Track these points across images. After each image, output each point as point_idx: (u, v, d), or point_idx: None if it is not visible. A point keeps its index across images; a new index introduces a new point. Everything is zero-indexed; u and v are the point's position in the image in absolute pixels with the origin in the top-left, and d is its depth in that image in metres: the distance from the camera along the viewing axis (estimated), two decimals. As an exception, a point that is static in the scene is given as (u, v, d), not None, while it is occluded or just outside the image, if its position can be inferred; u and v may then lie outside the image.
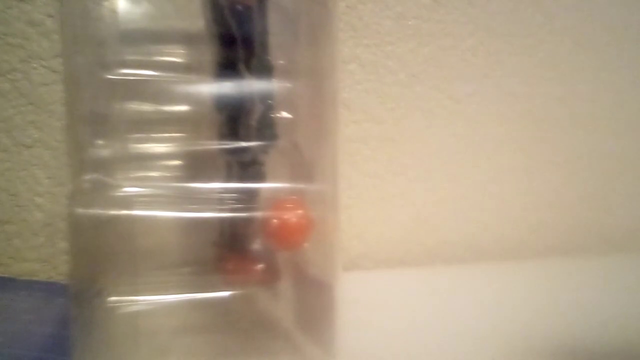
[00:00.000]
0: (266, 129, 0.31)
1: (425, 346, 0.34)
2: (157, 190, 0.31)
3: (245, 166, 0.32)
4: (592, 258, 0.54)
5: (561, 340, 0.35)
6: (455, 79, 0.51)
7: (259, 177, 0.32)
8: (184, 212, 0.31)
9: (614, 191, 0.58)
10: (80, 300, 0.29)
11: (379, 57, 0.48)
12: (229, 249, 0.32)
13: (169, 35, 0.33)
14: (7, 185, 0.42)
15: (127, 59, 0.31)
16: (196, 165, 0.32)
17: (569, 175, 0.56)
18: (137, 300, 0.30)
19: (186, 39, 0.32)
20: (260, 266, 0.32)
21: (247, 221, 0.32)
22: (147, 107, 0.32)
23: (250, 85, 0.31)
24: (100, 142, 0.31)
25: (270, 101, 0.31)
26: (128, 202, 0.30)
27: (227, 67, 0.31)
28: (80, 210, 0.30)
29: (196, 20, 0.31)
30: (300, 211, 0.31)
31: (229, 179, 0.32)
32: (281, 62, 0.32)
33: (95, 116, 0.31)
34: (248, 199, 0.31)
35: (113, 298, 0.30)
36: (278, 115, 0.31)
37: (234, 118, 0.31)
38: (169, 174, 0.32)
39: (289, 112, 0.32)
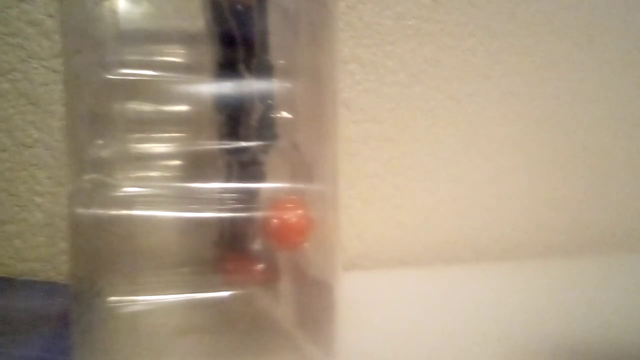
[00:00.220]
0: (266, 129, 0.31)
1: (424, 346, 0.34)
2: (157, 190, 0.31)
3: (245, 166, 0.31)
4: (591, 258, 0.54)
5: (560, 339, 0.35)
6: (455, 79, 0.51)
7: (259, 177, 0.32)
8: (184, 212, 0.31)
9: (614, 191, 0.58)
10: (80, 300, 0.29)
11: (379, 57, 0.48)
12: (229, 249, 0.32)
13: (169, 35, 0.32)
14: (7, 185, 0.42)
15: (127, 58, 0.31)
16: (196, 166, 0.32)
17: (569, 175, 0.56)
18: (136, 300, 0.30)
19: (186, 38, 0.32)
20: (260, 266, 0.32)
21: (247, 221, 0.32)
22: (147, 107, 0.32)
23: (250, 85, 0.31)
24: (100, 142, 0.31)
25: (270, 101, 0.31)
26: (128, 202, 0.30)
27: (227, 67, 0.31)
28: (80, 210, 0.30)
29: (196, 20, 0.31)
30: (300, 211, 0.31)
31: (228, 179, 0.32)
32: (281, 62, 0.31)
33: (95, 116, 0.31)
34: (248, 199, 0.31)
35: (113, 298, 0.30)
36: (278, 115, 0.31)
37: (234, 118, 0.31)
38: (169, 174, 0.32)
39: (288, 112, 0.32)
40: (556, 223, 0.56)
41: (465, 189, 0.52)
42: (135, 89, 0.31)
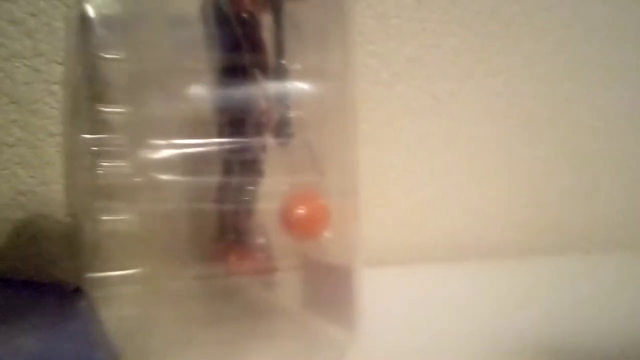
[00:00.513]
0: (283, 128, 0.33)
1: (427, 342, 0.34)
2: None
3: (245, 164, 0.33)
4: (572, 257, 0.54)
5: (553, 339, 0.35)
6: (438, 79, 0.51)
7: (258, 174, 0.33)
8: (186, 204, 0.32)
9: (595, 191, 0.59)
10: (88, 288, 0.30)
11: (361, 57, 0.49)
12: (229, 240, 0.33)
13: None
14: (-11, 184, 0.42)
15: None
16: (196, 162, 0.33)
17: (551, 174, 0.57)
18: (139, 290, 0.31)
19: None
20: (259, 256, 0.34)
21: (246, 213, 0.33)
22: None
23: (258, 88, 0.32)
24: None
25: (286, 102, 0.33)
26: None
27: (231, 72, 0.32)
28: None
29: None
30: (317, 202, 0.33)
31: (227, 174, 0.33)
32: (297, 65, 0.33)
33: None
34: (246, 192, 0.33)
35: (116, 287, 0.31)
36: (293, 115, 0.33)
37: (236, 119, 0.32)
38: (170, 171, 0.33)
39: (303, 112, 0.33)
40: (539, 222, 0.56)
41: (447, 189, 0.52)
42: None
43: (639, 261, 0.53)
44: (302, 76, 0.33)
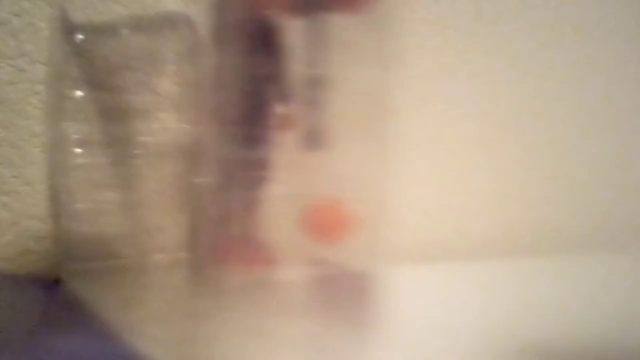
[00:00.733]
0: (312, 135, 0.33)
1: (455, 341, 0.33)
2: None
3: (253, 162, 0.33)
4: (556, 257, 0.54)
5: (581, 340, 0.34)
6: (421, 78, 0.51)
7: (265, 173, 0.34)
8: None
9: (580, 191, 0.59)
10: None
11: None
12: (230, 236, 0.34)
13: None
14: (-28, 184, 0.42)
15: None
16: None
17: (535, 174, 0.57)
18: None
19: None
20: (261, 252, 0.34)
21: (251, 211, 0.34)
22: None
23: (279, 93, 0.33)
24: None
25: (316, 110, 0.33)
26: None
27: (256, 78, 0.33)
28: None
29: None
30: (340, 207, 0.33)
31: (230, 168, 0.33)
32: (330, 73, 0.33)
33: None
34: (252, 190, 0.33)
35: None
36: (323, 123, 0.33)
37: (249, 117, 0.33)
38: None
39: (332, 119, 0.34)
40: (522, 222, 0.56)
41: (431, 189, 0.52)
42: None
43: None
44: (334, 85, 0.33)
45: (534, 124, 0.56)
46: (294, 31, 0.33)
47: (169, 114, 0.41)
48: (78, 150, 0.39)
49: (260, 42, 0.32)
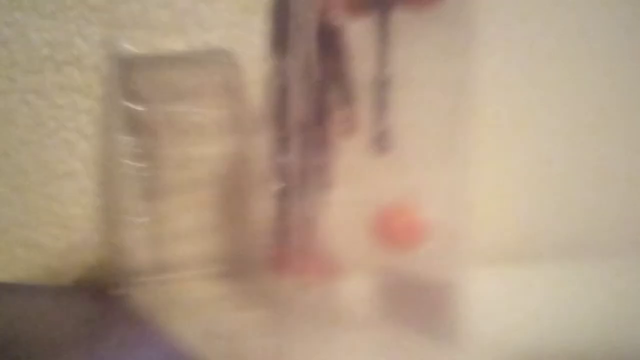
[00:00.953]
0: (381, 138, 0.32)
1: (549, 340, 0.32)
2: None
3: (313, 169, 0.33)
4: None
5: None
6: (498, 74, 0.49)
7: (326, 180, 0.33)
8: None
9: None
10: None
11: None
12: (293, 246, 0.33)
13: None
14: (-38, 193, 0.42)
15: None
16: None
17: (617, 176, 0.55)
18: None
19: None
20: (324, 262, 0.33)
21: (312, 218, 0.33)
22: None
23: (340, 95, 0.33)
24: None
25: (385, 112, 0.32)
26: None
27: (319, 79, 0.32)
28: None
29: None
30: (414, 213, 0.32)
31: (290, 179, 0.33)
32: (391, 73, 0.32)
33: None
34: (313, 198, 0.33)
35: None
36: (392, 124, 0.32)
37: (311, 123, 0.32)
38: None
39: (403, 120, 0.33)
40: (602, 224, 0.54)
41: (505, 191, 0.51)
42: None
43: None
44: (401, 85, 0.32)
45: (619, 125, 0.54)
46: (359, 32, 0.32)
47: (220, 128, 0.42)
48: (130, 162, 0.40)
49: (324, 45, 0.32)
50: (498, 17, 0.46)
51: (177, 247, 0.40)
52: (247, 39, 0.41)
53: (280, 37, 0.32)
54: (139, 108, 0.39)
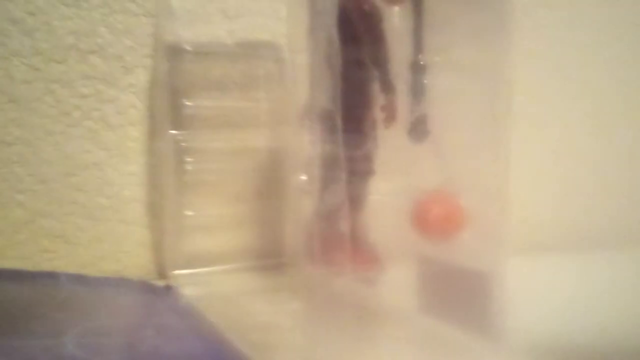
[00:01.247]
0: (418, 125, 0.32)
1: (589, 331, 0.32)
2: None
3: (355, 160, 0.32)
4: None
5: None
6: (539, 60, 0.49)
7: (368, 170, 0.33)
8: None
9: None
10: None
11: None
12: (335, 236, 0.33)
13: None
14: (-13, 182, 0.42)
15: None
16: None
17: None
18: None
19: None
20: (368, 253, 0.33)
21: (355, 211, 0.33)
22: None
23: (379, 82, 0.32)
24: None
25: (422, 98, 0.32)
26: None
27: (353, 65, 0.32)
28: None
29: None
30: (453, 202, 0.32)
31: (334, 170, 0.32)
32: (437, 59, 0.32)
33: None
34: (356, 189, 0.33)
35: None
36: (429, 111, 0.32)
37: (355, 114, 0.32)
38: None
39: (442, 108, 0.32)
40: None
41: (545, 179, 0.50)
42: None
43: None
44: (444, 70, 0.32)
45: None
46: (396, 17, 0.32)
47: (269, 120, 0.43)
48: (187, 158, 0.40)
49: (364, 30, 0.31)
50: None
51: (218, 239, 0.40)
52: (292, 32, 0.40)
53: (321, 24, 0.31)
54: (186, 102, 0.38)
